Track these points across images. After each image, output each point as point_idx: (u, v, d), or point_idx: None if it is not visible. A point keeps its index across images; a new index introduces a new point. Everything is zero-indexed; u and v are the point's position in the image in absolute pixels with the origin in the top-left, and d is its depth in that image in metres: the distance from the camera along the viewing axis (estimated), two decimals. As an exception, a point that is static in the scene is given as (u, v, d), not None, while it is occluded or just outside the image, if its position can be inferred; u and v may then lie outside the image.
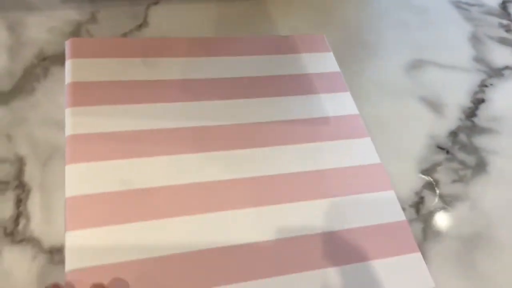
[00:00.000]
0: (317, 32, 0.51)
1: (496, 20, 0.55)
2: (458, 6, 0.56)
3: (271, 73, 0.47)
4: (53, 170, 0.41)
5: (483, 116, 0.47)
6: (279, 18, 0.53)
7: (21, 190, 0.40)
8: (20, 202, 0.39)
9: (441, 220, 0.40)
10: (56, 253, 0.37)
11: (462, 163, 0.43)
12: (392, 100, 0.47)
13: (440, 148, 0.44)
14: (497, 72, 0.50)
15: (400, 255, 0.36)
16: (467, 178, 0.42)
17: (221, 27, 0.52)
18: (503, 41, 0.53)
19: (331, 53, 0.49)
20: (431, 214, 0.40)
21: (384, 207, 0.39)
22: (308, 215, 0.38)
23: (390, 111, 0.46)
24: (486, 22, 0.55)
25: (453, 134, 0.45)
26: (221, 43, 0.49)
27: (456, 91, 0.48)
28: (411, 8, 0.56)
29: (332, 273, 0.35)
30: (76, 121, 0.42)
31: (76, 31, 0.50)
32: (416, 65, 0.50)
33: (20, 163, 0.41)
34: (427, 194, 0.41)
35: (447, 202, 0.41)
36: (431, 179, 0.42)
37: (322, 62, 0.48)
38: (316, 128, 0.43)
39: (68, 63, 0.45)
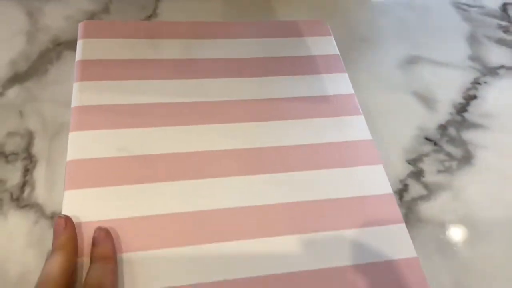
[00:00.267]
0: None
1: (495, 22, 0.56)
2: (458, 7, 0.58)
3: (273, 55, 0.49)
4: (59, 145, 0.44)
5: (474, 112, 0.48)
6: (282, 13, 0.56)
7: (29, 161, 0.43)
8: (27, 171, 0.42)
9: (424, 207, 0.41)
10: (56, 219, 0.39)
11: (448, 155, 0.45)
12: (386, 92, 0.48)
13: (428, 139, 0.46)
14: (491, 71, 0.51)
15: (385, 225, 0.38)
16: (452, 169, 0.44)
17: (228, 19, 0.55)
18: (500, 42, 0.54)
19: (332, 37, 0.51)
20: (414, 201, 0.41)
21: (372, 180, 0.40)
22: (300, 185, 0.40)
23: (383, 102, 0.47)
24: (485, 23, 0.56)
25: (442, 127, 0.47)
26: (226, 26, 0.52)
27: (449, 87, 0.50)
28: (413, 7, 0.58)
29: (317, 238, 0.37)
30: (82, 94, 0.45)
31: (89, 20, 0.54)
32: (412, 61, 0.52)
33: (29, 136, 0.44)
34: (411, 182, 0.43)
35: (430, 191, 0.42)
36: (417, 169, 0.43)
37: (323, 45, 0.50)
38: (314, 105, 0.45)
39: (79, 43, 0.49)
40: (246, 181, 0.40)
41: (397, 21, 0.56)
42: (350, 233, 0.38)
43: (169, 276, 0.35)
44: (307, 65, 0.48)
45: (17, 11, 0.54)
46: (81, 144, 0.42)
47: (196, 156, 0.42)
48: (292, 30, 0.51)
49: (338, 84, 0.47)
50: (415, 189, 0.42)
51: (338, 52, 0.50)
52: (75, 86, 0.45)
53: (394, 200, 0.40)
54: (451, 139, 0.46)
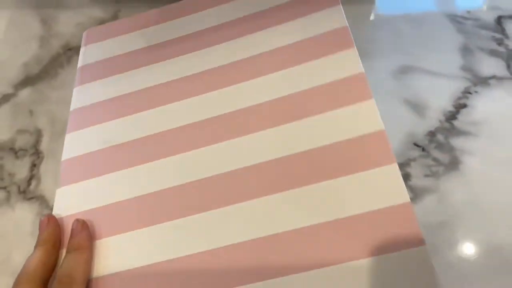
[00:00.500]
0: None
1: (489, 34, 0.58)
2: (453, 19, 0.59)
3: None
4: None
5: (463, 119, 0.49)
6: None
7: (36, 157, 0.46)
8: (34, 166, 0.45)
9: (409, 209, 0.43)
10: (58, 210, 0.42)
11: (435, 160, 0.46)
12: (377, 99, 0.50)
13: (416, 145, 0.47)
14: (482, 81, 0.53)
15: (375, 168, 0.38)
16: (438, 174, 0.45)
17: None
18: (493, 53, 0.56)
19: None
20: (399, 203, 0.43)
21: (362, 118, 0.40)
22: (288, 137, 0.40)
23: (373, 110, 0.49)
24: (479, 35, 0.58)
25: (431, 133, 0.48)
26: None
27: (440, 96, 0.51)
28: (409, 20, 0.60)
29: (305, 192, 0.37)
30: (78, 97, 0.47)
31: (99, 27, 0.57)
32: (405, 70, 0.54)
33: (38, 134, 0.47)
34: (398, 185, 0.44)
35: (416, 194, 0.44)
36: (404, 172, 0.45)
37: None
38: (304, 49, 0.45)
39: (81, 50, 0.51)
40: (232, 145, 0.40)
41: (393, 32, 0.58)
42: (344, 181, 0.37)
43: (147, 253, 0.36)
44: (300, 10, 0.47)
45: (32, 18, 0.58)
46: (73, 143, 0.44)
47: (177, 132, 0.42)
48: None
49: (331, 20, 0.46)
50: (401, 192, 0.44)
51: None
52: (74, 91, 0.48)
53: (385, 137, 0.39)
54: (439, 145, 0.47)
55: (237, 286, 0.34)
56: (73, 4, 0.60)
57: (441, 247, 0.41)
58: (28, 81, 0.51)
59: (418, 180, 0.45)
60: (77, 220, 0.38)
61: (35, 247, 0.35)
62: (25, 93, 0.50)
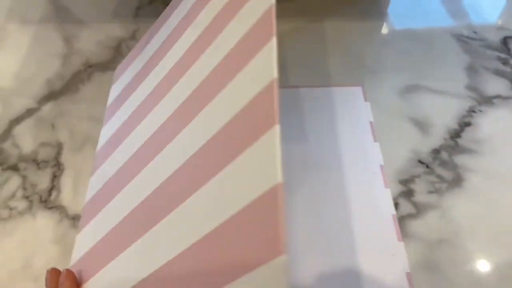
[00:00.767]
0: (319, 57, 0.58)
1: (495, 54, 0.59)
2: (459, 39, 0.61)
3: None
4: (84, 155, 0.49)
5: (467, 137, 0.51)
6: (293, 36, 0.60)
7: (57, 169, 0.48)
8: (55, 177, 0.48)
9: (412, 225, 0.44)
10: (78, 220, 0.44)
11: (439, 177, 0.48)
12: (383, 116, 0.52)
13: (421, 162, 0.49)
14: (487, 100, 0.54)
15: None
16: (442, 190, 0.47)
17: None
18: (498, 73, 0.57)
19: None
20: (403, 218, 0.45)
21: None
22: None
23: (380, 126, 0.51)
24: (484, 55, 0.59)
25: (435, 151, 0.50)
26: None
27: (445, 114, 0.53)
28: (416, 39, 0.61)
29: None
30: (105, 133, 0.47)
31: (117, 46, 0.60)
32: (411, 89, 0.55)
33: (59, 147, 0.50)
34: (402, 201, 0.46)
35: (419, 210, 0.45)
36: (408, 188, 0.47)
37: None
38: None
39: (111, 89, 0.52)
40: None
41: (400, 51, 0.60)
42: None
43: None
44: None
45: (56, 36, 0.61)
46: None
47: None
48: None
49: None
50: (405, 208, 0.45)
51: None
52: (102, 130, 0.48)
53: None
54: (442, 163, 0.49)
55: None
56: (93, 22, 0.63)
57: (442, 264, 0.42)
58: (51, 96, 0.54)
59: (421, 196, 0.46)
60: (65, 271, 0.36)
61: None
62: (47, 108, 0.53)
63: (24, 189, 0.47)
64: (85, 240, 0.39)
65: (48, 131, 0.51)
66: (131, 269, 0.33)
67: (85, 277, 0.37)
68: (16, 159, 0.49)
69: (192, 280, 0.28)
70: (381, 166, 0.48)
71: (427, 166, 0.48)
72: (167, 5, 0.48)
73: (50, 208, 0.46)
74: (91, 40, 0.61)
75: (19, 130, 0.52)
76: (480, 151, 0.50)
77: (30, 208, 0.46)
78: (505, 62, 0.58)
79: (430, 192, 0.47)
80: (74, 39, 0.61)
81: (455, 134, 0.51)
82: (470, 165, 0.49)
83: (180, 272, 0.29)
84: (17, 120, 0.53)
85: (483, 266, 0.42)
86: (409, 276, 0.41)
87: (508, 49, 0.60)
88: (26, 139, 0.51)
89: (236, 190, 0.26)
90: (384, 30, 0.63)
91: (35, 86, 0.56)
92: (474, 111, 0.53)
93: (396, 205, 0.45)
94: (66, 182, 0.47)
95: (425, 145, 0.50)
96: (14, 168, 0.49)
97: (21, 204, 0.46)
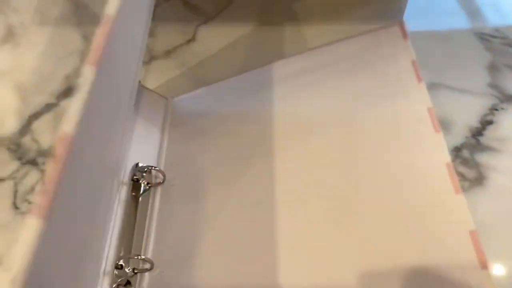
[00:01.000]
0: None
1: (517, 52, 0.58)
2: (481, 37, 0.60)
3: None
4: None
5: (489, 136, 0.50)
6: (310, 40, 0.60)
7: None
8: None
9: (433, 223, 0.43)
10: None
11: (461, 175, 0.47)
12: (403, 115, 0.51)
13: (442, 160, 0.48)
14: (509, 98, 0.53)
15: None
16: (464, 189, 0.46)
17: (265, 50, 0.60)
18: (520, 71, 0.56)
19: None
20: (424, 217, 0.44)
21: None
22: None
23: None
24: (506, 53, 0.58)
25: (457, 149, 0.49)
26: None
27: (467, 113, 0.52)
28: (437, 38, 0.61)
29: None
30: None
31: (136, 42, 0.60)
32: (433, 87, 0.55)
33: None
34: (422, 199, 0.45)
35: (440, 208, 0.44)
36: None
37: None
38: None
39: None
40: None
41: (421, 49, 0.59)
42: None
43: None
44: None
45: (75, 34, 0.61)
46: None
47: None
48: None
49: None
50: (426, 206, 0.44)
51: None
52: None
53: None
54: (464, 161, 0.48)
55: None
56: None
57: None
58: (69, 92, 0.55)
59: (442, 195, 0.45)
60: None
61: None
62: (65, 104, 0.54)
63: (43, 183, 0.47)
64: None
65: (67, 126, 0.52)
66: None
67: None
68: (35, 154, 0.49)
69: None
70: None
71: (448, 164, 0.48)
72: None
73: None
74: (109, 37, 0.61)
75: (38, 125, 0.52)
76: (503, 149, 0.49)
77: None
78: (527, 61, 0.57)
79: (452, 190, 0.46)
80: (92, 37, 0.61)
81: (477, 132, 0.50)
82: (492, 163, 0.48)
83: None
84: (36, 116, 0.53)
85: (507, 266, 0.41)
86: None
87: (531, 47, 0.59)
88: (45, 134, 0.51)
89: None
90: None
91: (54, 82, 0.56)
92: (496, 109, 0.52)
93: (417, 203, 0.45)
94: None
95: (447, 143, 0.49)
96: (33, 162, 0.49)
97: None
